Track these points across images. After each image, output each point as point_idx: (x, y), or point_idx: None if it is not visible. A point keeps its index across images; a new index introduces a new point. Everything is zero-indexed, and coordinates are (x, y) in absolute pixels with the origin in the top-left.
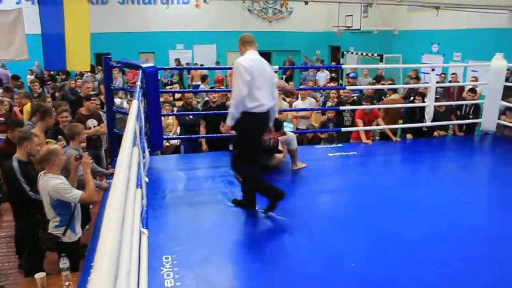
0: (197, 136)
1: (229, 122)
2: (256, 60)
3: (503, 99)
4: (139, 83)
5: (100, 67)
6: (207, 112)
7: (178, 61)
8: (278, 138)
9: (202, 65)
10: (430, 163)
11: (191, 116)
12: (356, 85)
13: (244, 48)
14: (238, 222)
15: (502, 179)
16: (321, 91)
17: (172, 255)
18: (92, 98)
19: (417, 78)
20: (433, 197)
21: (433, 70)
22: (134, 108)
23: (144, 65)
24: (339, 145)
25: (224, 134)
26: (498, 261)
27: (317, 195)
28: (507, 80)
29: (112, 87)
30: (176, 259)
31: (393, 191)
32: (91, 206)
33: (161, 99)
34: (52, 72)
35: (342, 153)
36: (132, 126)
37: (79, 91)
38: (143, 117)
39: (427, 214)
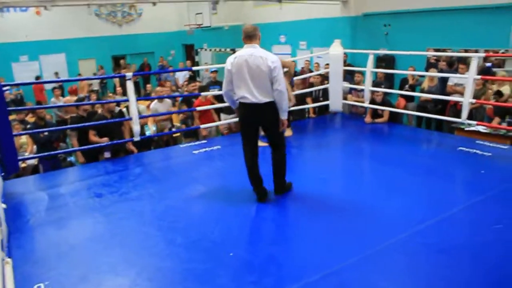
0: (56, 152)
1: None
2: (240, 57)
3: (348, 80)
4: None
5: None
6: (63, 127)
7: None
8: None
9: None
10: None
11: (46, 133)
12: (216, 79)
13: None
14: (109, 233)
15: (353, 152)
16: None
17: (45, 282)
18: None
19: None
20: (295, 176)
21: None
22: None
23: None
24: (203, 141)
25: (96, 145)
26: (356, 228)
27: (186, 193)
28: (344, 63)
29: None
30: (51, 285)
31: None
32: None
33: (11, 118)
34: None
35: (207, 148)
36: None
37: None
38: None
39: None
